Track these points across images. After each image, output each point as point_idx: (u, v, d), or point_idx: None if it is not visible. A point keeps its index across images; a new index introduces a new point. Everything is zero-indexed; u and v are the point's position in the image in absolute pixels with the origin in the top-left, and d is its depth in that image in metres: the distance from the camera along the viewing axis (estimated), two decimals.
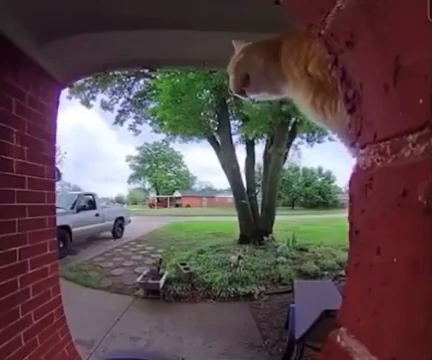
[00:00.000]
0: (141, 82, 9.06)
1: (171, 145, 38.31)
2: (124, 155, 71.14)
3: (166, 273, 4.40)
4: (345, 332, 0.33)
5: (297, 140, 9.36)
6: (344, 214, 0.45)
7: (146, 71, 6.02)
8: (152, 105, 9.04)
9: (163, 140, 35.17)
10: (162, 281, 4.10)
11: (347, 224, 0.34)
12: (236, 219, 7.81)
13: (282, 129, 6.97)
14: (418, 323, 0.23)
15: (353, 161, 0.35)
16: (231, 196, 10.49)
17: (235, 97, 6.07)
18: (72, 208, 7.05)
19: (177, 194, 42.37)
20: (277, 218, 7.91)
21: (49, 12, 1.13)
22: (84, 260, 6.03)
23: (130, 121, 10.06)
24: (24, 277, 1.36)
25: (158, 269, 4.36)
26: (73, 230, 6.60)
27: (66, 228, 6.35)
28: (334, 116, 0.49)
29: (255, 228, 7.23)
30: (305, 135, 9.08)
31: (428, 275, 0.22)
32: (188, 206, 37.64)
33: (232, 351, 2.73)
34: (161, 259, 4.80)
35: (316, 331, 1.91)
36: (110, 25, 1.23)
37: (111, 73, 7.27)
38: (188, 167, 49.87)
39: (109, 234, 8.97)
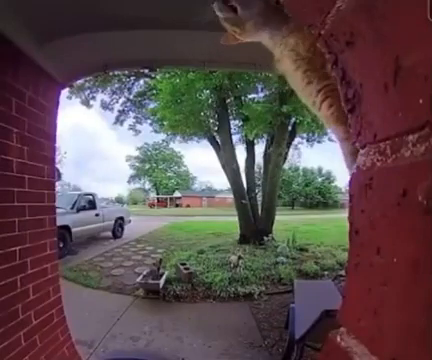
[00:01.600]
0: (141, 82, 9.08)
1: (171, 145, 38.47)
2: (124, 155, 71.48)
3: (166, 273, 4.39)
4: (345, 332, 0.33)
5: (297, 140, 9.36)
6: (344, 214, 0.45)
7: (146, 71, 6.03)
8: (152, 105, 9.06)
9: (163, 140, 35.28)
10: (162, 281, 4.10)
11: (347, 224, 0.34)
12: (236, 219, 7.80)
13: (282, 129, 6.96)
14: (418, 323, 0.23)
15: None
16: (231, 196, 10.49)
17: (235, 97, 5.97)
18: (72, 208, 7.05)
19: (177, 194, 42.38)
20: (277, 218, 7.90)
21: (49, 12, 1.13)
22: (84, 260, 6.02)
23: (130, 121, 10.11)
24: (24, 277, 1.36)
25: (158, 269, 4.35)
26: (73, 230, 6.60)
27: (66, 228, 6.34)
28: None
29: (255, 228, 7.22)
30: (305, 135, 9.06)
31: (428, 275, 0.22)
32: (188, 206, 37.63)
33: (232, 351, 2.72)
34: (161, 259, 4.80)
35: (316, 331, 1.91)
36: (110, 25, 1.23)
37: (111, 73, 7.27)
38: (188, 167, 50.04)
39: (109, 234, 8.96)
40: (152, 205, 38.76)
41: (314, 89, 0.51)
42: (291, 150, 9.84)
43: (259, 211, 7.84)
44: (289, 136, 7.60)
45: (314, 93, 0.51)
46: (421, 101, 0.23)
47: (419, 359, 0.23)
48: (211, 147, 8.33)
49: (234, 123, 8.50)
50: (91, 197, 8.23)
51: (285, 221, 12.44)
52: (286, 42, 0.54)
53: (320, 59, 0.46)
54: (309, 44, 0.49)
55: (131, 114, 9.83)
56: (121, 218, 9.58)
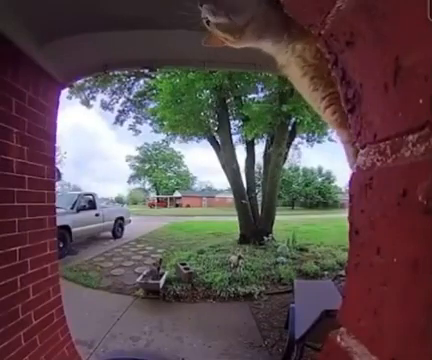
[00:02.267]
0: (141, 82, 9.10)
1: (171, 145, 38.45)
2: (124, 155, 71.59)
3: (166, 273, 4.39)
4: (345, 332, 0.33)
5: (297, 140, 9.36)
6: (344, 214, 0.45)
7: (146, 71, 6.03)
8: (152, 105, 9.06)
9: (163, 140, 35.10)
10: (162, 281, 4.10)
11: (347, 224, 0.34)
12: (236, 219, 7.81)
13: (282, 129, 6.97)
14: (418, 323, 0.23)
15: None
16: (231, 196, 10.49)
17: (235, 97, 5.95)
18: (72, 208, 7.05)
19: (177, 194, 42.37)
20: (277, 218, 7.90)
21: (49, 12, 1.13)
22: (84, 260, 6.02)
23: (130, 121, 10.13)
24: (24, 277, 1.36)
25: (158, 269, 4.35)
26: (73, 230, 6.60)
27: (66, 228, 6.34)
28: None
29: (255, 228, 7.23)
30: (305, 135, 9.06)
31: (428, 275, 0.22)
32: (188, 206, 37.63)
33: (232, 351, 2.72)
34: (161, 259, 4.80)
35: (316, 331, 1.91)
36: (110, 25, 1.23)
37: (111, 73, 7.27)
38: (188, 167, 50.02)
39: (109, 234, 8.96)
40: (152, 205, 38.75)
41: (319, 96, 0.52)
42: (291, 150, 9.86)
43: (259, 211, 7.84)
44: (289, 136, 7.60)
45: (319, 99, 0.52)
46: (421, 101, 0.23)
47: (419, 359, 0.23)
48: (211, 147, 8.34)
49: (234, 123, 8.52)
50: (91, 197, 8.23)
51: (285, 221, 12.45)
52: (293, 48, 0.54)
53: (326, 66, 0.46)
54: (315, 50, 0.49)
55: (131, 114, 9.86)
56: (121, 218, 9.58)
